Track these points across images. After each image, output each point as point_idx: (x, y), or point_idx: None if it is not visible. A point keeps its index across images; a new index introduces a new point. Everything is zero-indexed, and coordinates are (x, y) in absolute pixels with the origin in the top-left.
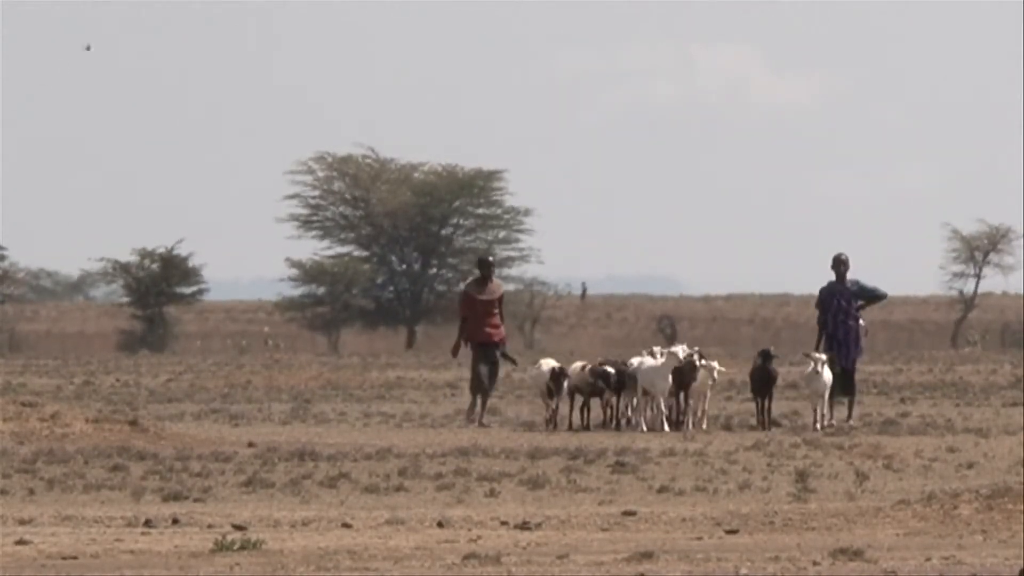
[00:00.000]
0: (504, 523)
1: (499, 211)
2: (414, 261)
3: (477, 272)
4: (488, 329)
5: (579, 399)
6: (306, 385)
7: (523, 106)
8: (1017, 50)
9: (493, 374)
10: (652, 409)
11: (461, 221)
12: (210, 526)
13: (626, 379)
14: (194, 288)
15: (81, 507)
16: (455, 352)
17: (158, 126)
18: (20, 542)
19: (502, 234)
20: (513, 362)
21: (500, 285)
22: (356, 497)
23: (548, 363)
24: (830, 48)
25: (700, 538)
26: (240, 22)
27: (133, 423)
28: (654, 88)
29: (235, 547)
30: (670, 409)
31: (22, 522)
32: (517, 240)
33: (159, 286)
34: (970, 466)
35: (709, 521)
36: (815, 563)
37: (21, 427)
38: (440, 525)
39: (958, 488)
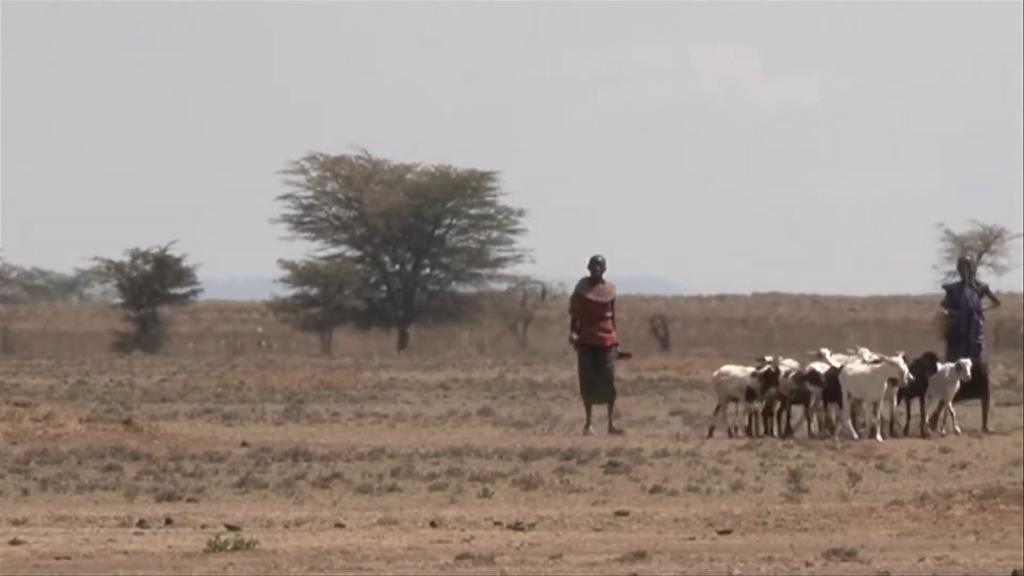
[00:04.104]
0: (497, 523)
1: (492, 211)
2: (407, 262)
3: (588, 272)
4: (600, 333)
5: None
6: (299, 385)
7: (517, 107)
8: (1016, 51)
9: (608, 379)
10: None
11: (454, 222)
12: (203, 526)
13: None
14: (187, 289)
15: (75, 507)
16: (574, 342)
17: (153, 127)
18: (14, 542)
19: (495, 234)
20: (627, 356)
21: (613, 287)
22: (349, 497)
23: (733, 369)
24: (827, 49)
25: (693, 538)
26: (235, 24)
27: (127, 423)
28: (649, 89)
29: (228, 547)
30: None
31: (16, 522)
32: (510, 241)
33: (152, 286)
34: (963, 467)
35: (702, 521)
36: (808, 564)
37: (14, 427)
38: (433, 525)
39: (951, 489)
